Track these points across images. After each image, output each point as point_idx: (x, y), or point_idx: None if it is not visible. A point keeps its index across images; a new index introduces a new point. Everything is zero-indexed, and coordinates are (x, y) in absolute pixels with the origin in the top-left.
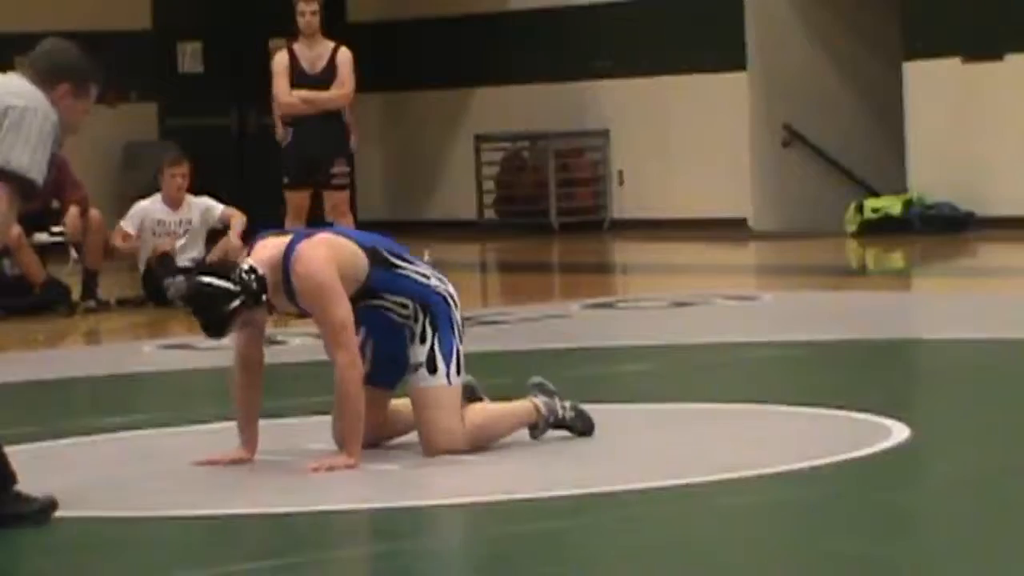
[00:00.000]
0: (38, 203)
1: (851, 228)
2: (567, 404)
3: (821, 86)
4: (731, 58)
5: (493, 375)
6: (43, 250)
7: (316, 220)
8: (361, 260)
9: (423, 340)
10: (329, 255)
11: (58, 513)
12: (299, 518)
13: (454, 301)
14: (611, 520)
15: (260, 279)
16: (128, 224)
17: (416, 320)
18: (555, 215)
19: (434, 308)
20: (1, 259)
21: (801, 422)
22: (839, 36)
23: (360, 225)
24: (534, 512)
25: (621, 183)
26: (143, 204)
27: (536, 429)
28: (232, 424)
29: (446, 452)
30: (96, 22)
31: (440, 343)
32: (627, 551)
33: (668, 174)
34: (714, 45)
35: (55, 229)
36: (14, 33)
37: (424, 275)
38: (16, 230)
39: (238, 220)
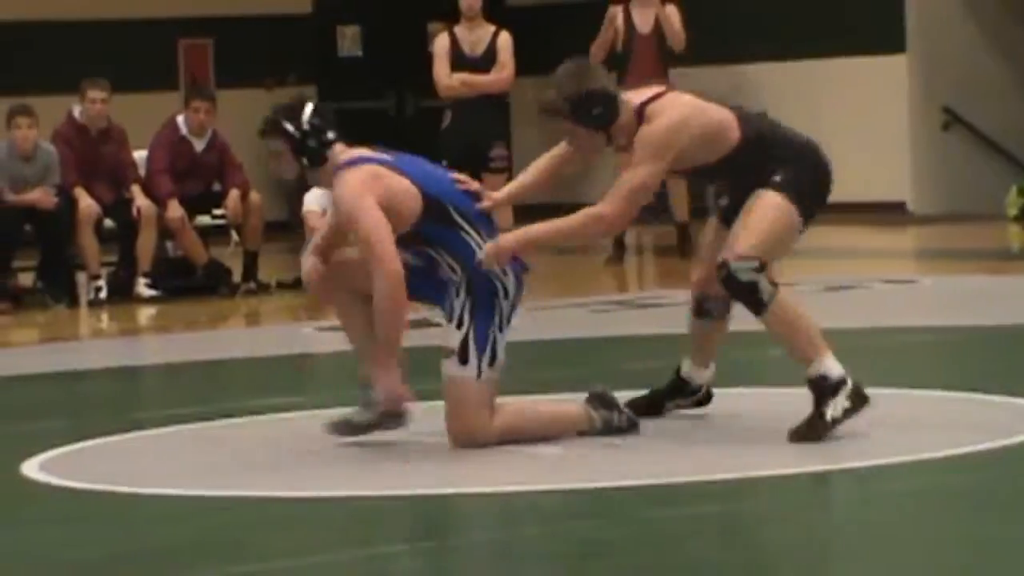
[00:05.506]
0: (200, 186)
1: (1012, 211)
2: (624, 416)
3: (982, 68)
4: (890, 40)
5: (654, 357)
6: (205, 232)
7: None
8: (413, 202)
9: (460, 325)
10: (370, 184)
11: (215, 492)
12: (431, 500)
13: (505, 291)
14: (764, 503)
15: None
16: (315, 204)
17: (458, 294)
18: None
19: (478, 290)
20: (165, 241)
21: (958, 407)
22: (1000, 17)
23: (517, 210)
24: (689, 495)
25: None
26: (316, 191)
27: (584, 435)
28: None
29: (468, 446)
30: (257, 6)
31: (476, 332)
32: (765, 539)
33: None
34: (872, 27)
35: (216, 212)
36: (177, 18)
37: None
38: (179, 213)
39: None
